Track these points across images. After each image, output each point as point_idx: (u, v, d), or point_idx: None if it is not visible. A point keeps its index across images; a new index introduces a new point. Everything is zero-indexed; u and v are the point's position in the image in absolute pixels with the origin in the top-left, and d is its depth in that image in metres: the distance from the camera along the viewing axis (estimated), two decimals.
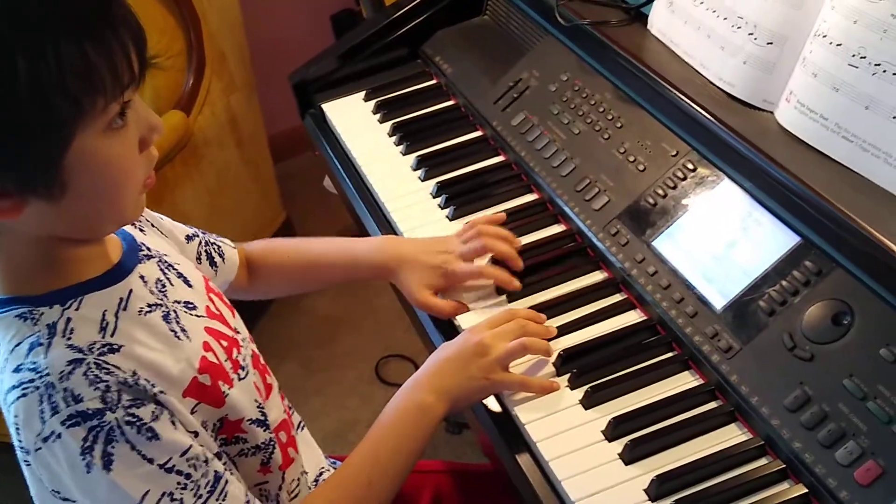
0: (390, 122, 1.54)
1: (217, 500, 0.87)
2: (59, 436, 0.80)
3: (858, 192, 0.96)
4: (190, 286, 0.99)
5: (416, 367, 1.12)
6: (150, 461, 0.83)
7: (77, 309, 0.85)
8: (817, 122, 0.99)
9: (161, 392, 0.85)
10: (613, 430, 1.00)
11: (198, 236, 1.14)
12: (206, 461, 0.87)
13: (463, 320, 1.18)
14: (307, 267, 1.26)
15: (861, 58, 0.95)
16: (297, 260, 1.25)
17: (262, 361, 1.07)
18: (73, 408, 0.80)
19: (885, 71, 0.93)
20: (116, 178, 0.82)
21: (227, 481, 0.89)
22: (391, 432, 1.02)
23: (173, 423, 0.85)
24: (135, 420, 0.82)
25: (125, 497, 0.82)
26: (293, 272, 1.26)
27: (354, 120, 1.58)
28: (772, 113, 1.07)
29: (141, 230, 1.01)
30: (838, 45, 0.97)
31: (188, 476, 0.85)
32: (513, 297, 1.18)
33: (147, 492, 0.82)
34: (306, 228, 2.73)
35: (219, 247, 1.17)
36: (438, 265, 1.20)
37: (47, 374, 0.81)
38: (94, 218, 0.85)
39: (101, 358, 0.83)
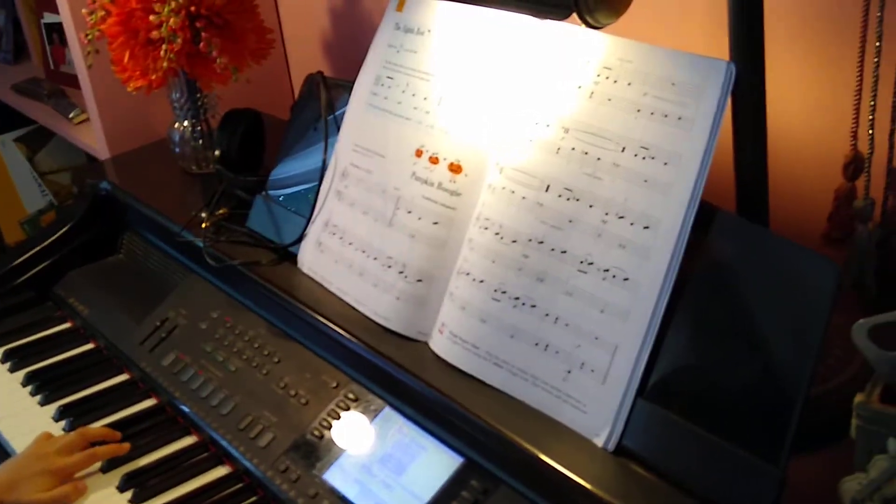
0: (23, 372, 1.43)
1: None
2: None
3: (512, 413, 1.05)
4: None
5: None
6: None
7: None
8: (469, 350, 1.09)
9: None
10: None
11: None
12: None
13: None
14: None
15: (502, 292, 1.06)
16: None
17: None
18: None
19: (524, 304, 1.04)
20: None
21: None
22: None
23: None
24: None
25: None
26: None
27: None
28: (427, 343, 1.15)
29: None
30: (481, 281, 1.08)
31: None
32: None
33: None
34: None
35: None
36: (43, 468, 1.20)
37: None
38: None
39: None
